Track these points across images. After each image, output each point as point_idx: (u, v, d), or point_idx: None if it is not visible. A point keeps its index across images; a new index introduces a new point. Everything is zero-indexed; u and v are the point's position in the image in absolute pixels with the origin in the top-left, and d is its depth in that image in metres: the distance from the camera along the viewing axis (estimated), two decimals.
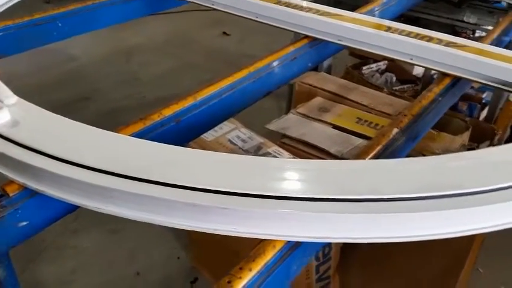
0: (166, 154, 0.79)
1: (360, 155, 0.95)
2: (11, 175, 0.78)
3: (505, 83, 1.16)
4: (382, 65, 2.39)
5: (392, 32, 1.28)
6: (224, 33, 4.34)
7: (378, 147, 0.95)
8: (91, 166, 0.74)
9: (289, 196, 0.70)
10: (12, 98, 0.87)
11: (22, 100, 0.90)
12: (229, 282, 0.64)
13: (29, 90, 3.11)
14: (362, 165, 0.83)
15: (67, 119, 0.86)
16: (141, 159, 0.77)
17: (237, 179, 0.72)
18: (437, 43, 1.23)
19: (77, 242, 2.09)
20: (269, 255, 0.69)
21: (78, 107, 3.08)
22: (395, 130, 1.01)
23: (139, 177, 0.72)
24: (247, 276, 0.66)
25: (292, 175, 0.76)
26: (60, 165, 0.75)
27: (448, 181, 0.73)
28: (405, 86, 2.33)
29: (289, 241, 0.71)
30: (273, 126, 1.72)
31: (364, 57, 2.40)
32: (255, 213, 0.69)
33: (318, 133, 1.65)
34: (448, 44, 1.23)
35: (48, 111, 0.88)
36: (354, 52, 2.49)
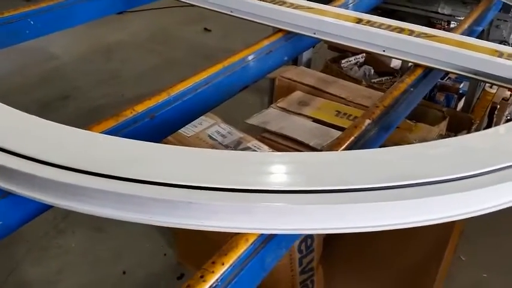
0: (137, 150, 0.78)
1: (332, 146, 0.95)
2: None
3: (477, 73, 1.17)
4: (361, 58, 2.41)
5: (364, 24, 1.28)
6: (205, 29, 4.33)
7: (350, 139, 0.96)
8: (62, 164, 0.74)
9: (259, 189, 0.70)
10: None
11: None
12: (201, 276, 0.64)
13: (11, 89, 3.09)
14: (333, 157, 0.84)
15: (36, 117, 0.85)
16: (111, 156, 0.77)
17: (206, 173, 0.72)
18: (408, 34, 1.24)
19: (61, 241, 2.09)
20: (242, 249, 0.69)
21: (58, 106, 3.06)
22: (367, 121, 1.01)
23: (111, 174, 0.72)
24: (220, 270, 0.65)
25: (262, 168, 0.76)
26: (31, 164, 0.74)
27: (417, 170, 0.74)
28: (383, 78, 2.35)
29: (262, 234, 0.71)
30: (253, 120, 1.72)
31: (342, 51, 2.42)
32: (225, 207, 0.69)
33: (297, 126, 1.66)
34: (419, 35, 1.24)
35: (15, 110, 0.86)
36: (332, 46, 2.50)
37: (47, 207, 0.81)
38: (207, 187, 0.70)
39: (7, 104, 0.88)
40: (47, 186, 0.73)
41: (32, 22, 1.38)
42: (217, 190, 0.70)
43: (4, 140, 0.78)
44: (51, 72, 3.51)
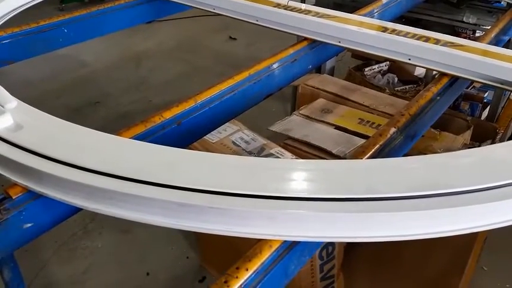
0: (166, 156, 0.79)
1: (357, 154, 0.94)
2: (14, 178, 0.79)
3: (503, 82, 1.16)
4: (384, 66, 2.40)
5: (390, 33, 1.29)
6: (230, 37, 4.39)
7: (375, 147, 0.95)
8: (92, 169, 0.75)
9: (285, 196, 0.70)
10: (13, 103, 0.87)
11: (24, 104, 0.91)
12: (225, 282, 0.65)
13: (45, 95, 3.21)
14: (359, 165, 0.83)
15: (69, 122, 0.87)
16: (140, 161, 0.78)
17: (232, 180, 0.73)
18: (434, 43, 1.24)
19: (88, 242, 2.14)
20: (265, 255, 0.69)
21: (88, 111, 3.16)
22: (392, 129, 1.01)
23: (139, 179, 0.73)
24: (244, 276, 0.66)
25: (288, 175, 0.76)
26: (62, 168, 0.76)
27: (443, 179, 0.73)
28: (407, 87, 2.33)
29: (285, 241, 0.71)
30: (276, 127, 1.74)
31: (366, 59, 2.41)
32: (250, 213, 0.69)
33: (320, 134, 1.67)
34: (446, 43, 1.23)
35: (50, 115, 0.89)
36: (356, 54, 2.50)
37: (77, 210, 0.83)
38: (233, 193, 0.70)
39: (39, 109, 0.91)
40: (77, 189, 0.75)
41: (65, 30, 1.44)
42: (243, 196, 0.70)
43: (37, 144, 0.80)
44: (83, 79, 3.63)
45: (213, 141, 1.66)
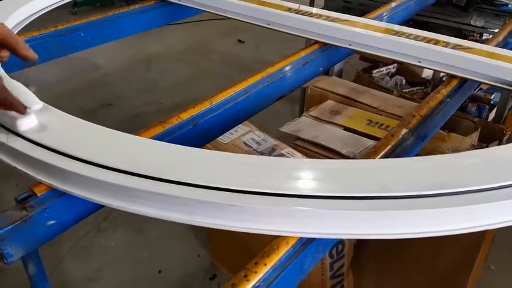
0: (185, 155, 0.82)
1: (369, 154, 0.96)
2: (38, 176, 0.81)
3: (511, 84, 1.18)
4: (392, 68, 2.42)
5: (400, 36, 1.31)
6: (239, 40, 4.43)
7: (388, 147, 0.97)
8: (115, 167, 0.78)
9: (300, 194, 0.72)
10: (39, 104, 0.89)
11: (48, 106, 0.93)
12: (245, 276, 0.66)
13: (59, 97, 3.27)
14: (372, 164, 0.85)
15: (90, 123, 0.90)
16: (160, 160, 0.80)
17: (250, 178, 0.75)
18: (444, 46, 1.26)
19: (102, 240, 2.18)
20: (283, 251, 0.70)
21: (101, 113, 3.22)
22: (404, 130, 1.03)
23: (160, 177, 0.76)
24: (263, 271, 0.67)
25: (303, 174, 0.78)
26: (86, 166, 0.78)
27: (455, 179, 0.75)
28: (415, 89, 2.35)
29: (301, 237, 0.73)
30: (286, 128, 1.77)
31: (374, 61, 2.43)
32: (268, 211, 0.71)
33: (329, 135, 1.69)
34: (455, 46, 1.25)
35: (72, 116, 0.91)
36: (364, 56, 2.52)
37: (98, 207, 0.85)
38: (251, 191, 0.72)
39: None
40: (100, 187, 0.77)
41: (82, 34, 1.48)
42: (260, 194, 0.72)
43: (61, 144, 0.83)
44: (95, 81, 3.69)
45: (225, 142, 1.70)
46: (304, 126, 1.77)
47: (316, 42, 1.43)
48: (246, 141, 1.69)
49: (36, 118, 0.89)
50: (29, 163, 0.83)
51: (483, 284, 1.83)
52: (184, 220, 0.75)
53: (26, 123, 0.87)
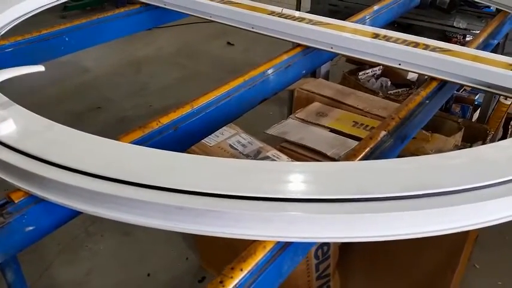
0: (164, 160, 0.81)
1: (348, 157, 0.97)
2: (16, 183, 0.81)
3: (491, 86, 1.19)
4: (378, 70, 2.44)
5: (380, 39, 1.32)
6: (228, 43, 4.44)
7: (366, 149, 0.98)
8: (92, 173, 0.77)
9: (277, 198, 0.72)
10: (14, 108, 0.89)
11: (25, 110, 0.93)
12: (221, 282, 0.67)
13: (46, 101, 3.25)
14: (350, 166, 0.85)
15: (69, 128, 0.89)
16: (139, 165, 0.80)
17: (226, 182, 0.75)
18: (423, 48, 1.27)
19: (91, 244, 2.18)
20: (260, 256, 0.71)
21: (90, 117, 3.21)
22: (383, 133, 1.03)
23: (138, 182, 0.75)
24: (239, 276, 0.67)
25: (281, 177, 0.77)
26: (63, 172, 0.78)
27: (433, 180, 0.75)
28: (400, 90, 2.37)
29: (279, 242, 0.73)
30: (273, 131, 1.77)
31: (360, 63, 2.45)
32: (243, 215, 0.71)
33: (315, 137, 1.70)
34: (434, 49, 1.27)
35: (50, 121, 0.91)
36: (350, 59, 2.54)
37: (77, 214, 0.85)
38: (227, 195, 0.72)
39: (41, 115, 0.93)
40: (78, 193, 0.77)
41: (66, 39, 1.48)
42: (237, 198, 0.72)
43: (39, 150, 0.82)
44: (84, 85, 3.69)
45: (211, 145, 1.70)
46: (291, 128, 1.78)
47: (299, 45, 1.44)
48: (232, 144, 1.70)
49: (14, 123, 0.88)
50: (6, 169, 0.82)
51: (467, 282, 1.85)
52: (163, 226, 0.74)
53: (3, 129, 0.87)
